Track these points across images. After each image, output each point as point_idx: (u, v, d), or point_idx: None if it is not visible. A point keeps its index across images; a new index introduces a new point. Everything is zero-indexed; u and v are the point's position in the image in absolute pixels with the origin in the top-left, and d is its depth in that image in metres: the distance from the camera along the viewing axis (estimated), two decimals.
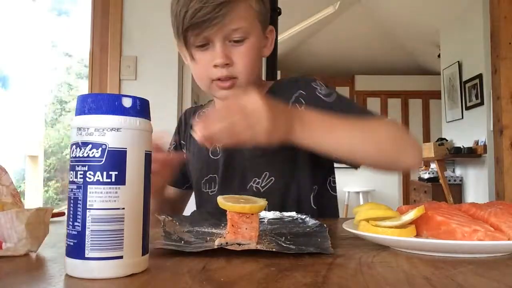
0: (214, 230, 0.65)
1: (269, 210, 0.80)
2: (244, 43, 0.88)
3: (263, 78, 1.49)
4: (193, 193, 1.08)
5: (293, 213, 0.78)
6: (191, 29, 0.85)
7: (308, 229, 0.65)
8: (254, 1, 0.90)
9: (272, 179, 0.94)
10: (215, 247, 0.50)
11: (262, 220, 0.74)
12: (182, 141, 1.09)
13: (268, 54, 0.98)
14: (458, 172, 5.36)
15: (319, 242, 0.55)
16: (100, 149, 0.40)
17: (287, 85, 0.99)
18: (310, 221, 0.71)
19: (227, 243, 0.51)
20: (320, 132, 0.71)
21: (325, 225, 0.66)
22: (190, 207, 1.08)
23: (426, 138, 7.17)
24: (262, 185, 0.94)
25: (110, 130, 0.40)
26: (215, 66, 0.88)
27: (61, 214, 0.87)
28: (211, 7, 0.82)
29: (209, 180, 0.98)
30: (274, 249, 0.49)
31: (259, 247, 0.50)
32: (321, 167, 0.96)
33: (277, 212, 0.79)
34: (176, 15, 0.86)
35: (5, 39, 2.10)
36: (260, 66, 0.95)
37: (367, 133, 0.74)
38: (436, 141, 5.40)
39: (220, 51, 0.86)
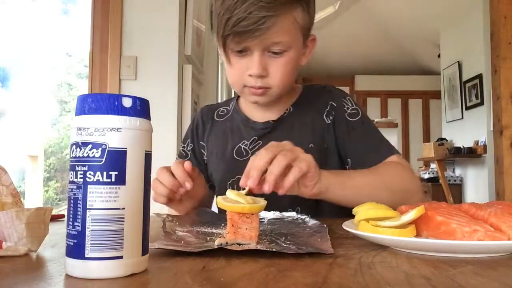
0: (214, 230, 0.65)
1: None
2: (283, 56, 0.87)
3: None
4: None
5: (293, 213, 0.78)
6: (231, 36, 0.83)
7: (308, 229, 0.65)
8: (300, 13, 0.87)
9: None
10: (215, 247, 0.50)
11: (262, 220, 0.74)
12: (201, 142, 1.05)
13: (305, 63, 0.96)
14: (458, 172, 5.36)
15: (319, 242, 0.55)
16: (100, 149, 0.40)
17: (319, 93, 1.01)
18: (310, 221, 0.71)
19: (227, 243, 0.51)
20: (342, 190, 0.78)
21: (325, 225, 0.66)
22: None
23: (426, 138, 7.17)
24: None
25: (110, 130, 0.40)
26: (250, 75, 0.87)
27: (60, 216, 0.88)
28: (255, 18, 0.79)
29: (236, 181, 0.94)
30: (274, 249, 0.49)
31: (259, 247, 0.50)
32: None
33: (277, 212, 0.79)
34: (218, 17, 0.84)
35: (5, 39, 2.10)
36: (295, 76, 0.94)
37: (380, 183, 0.83)
38: (436, 141, 5.40)
39: (257, 62, 0.85)
